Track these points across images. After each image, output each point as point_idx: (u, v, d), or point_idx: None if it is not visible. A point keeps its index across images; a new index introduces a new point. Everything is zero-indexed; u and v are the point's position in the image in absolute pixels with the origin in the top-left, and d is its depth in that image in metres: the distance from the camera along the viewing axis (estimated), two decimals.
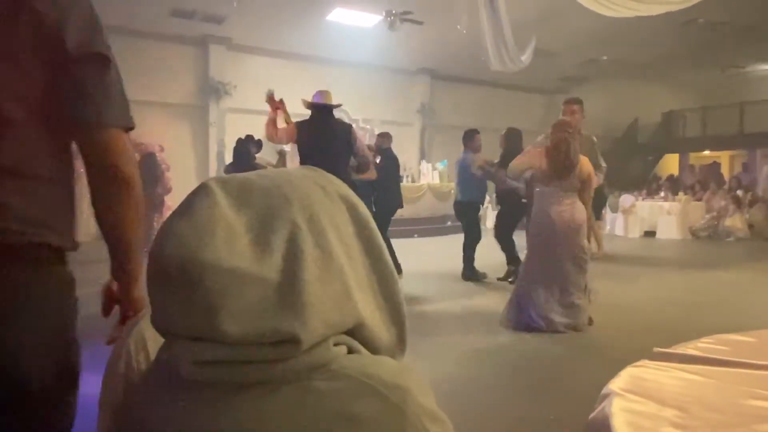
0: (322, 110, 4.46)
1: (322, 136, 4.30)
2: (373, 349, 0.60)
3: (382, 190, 6.07)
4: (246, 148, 6.34)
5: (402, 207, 6.50)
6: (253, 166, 5.96)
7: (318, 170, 0.65)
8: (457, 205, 6.46)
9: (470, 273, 6.28)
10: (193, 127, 11.14)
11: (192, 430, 0.53)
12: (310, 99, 4.56)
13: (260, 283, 0.52)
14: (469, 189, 6.01)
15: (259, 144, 6.54)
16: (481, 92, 14.91)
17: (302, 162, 4.30)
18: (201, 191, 0.58)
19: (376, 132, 8.09)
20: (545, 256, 3.99)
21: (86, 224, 2.25)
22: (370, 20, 9.97)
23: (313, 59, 12.17)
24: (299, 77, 12.05)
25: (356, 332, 0.58)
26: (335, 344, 0.56)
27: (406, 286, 5.96)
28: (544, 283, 3.99)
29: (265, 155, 7.08)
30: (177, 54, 10.85)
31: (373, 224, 0.64)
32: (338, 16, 9.98)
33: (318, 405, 0.52)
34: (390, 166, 6.39)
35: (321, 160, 3.89)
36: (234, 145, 6.64)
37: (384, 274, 0.62)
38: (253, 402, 0.52)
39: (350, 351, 0.57)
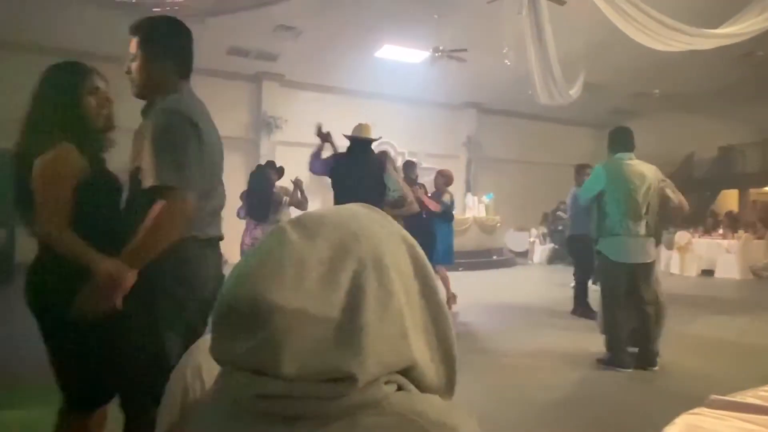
0: (359, 144, 4.46)
1: (355, 170, 4.29)
2: (423, 388, 0.60)
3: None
4: (265, 174, 5.98)
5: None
6: (270, 194, 5.85)
7: (375, 208, 0.66)
8: (570, 239, 6.47)
9: (582, 308, 6.11)
10: (246, 159, 11.50)
11: None
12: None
13: (323, 323, 0.54)
14: (580, 222, 5.84)
15: (280, 171, 6.21)
16: (528, 126, 14.83)
17: (335, 194, 4.34)
18: (275, 230, 0.61)
19: (423, 165, 8.14)
20: None
21: None
22: (417, 56, 10.15)
23: (361, 94, 12.45)
24: (348, 112, 12.31)
25: (407, 371, 0.59)
26: (386, 382, 0.57)
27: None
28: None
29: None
30: (232, 90, 11.32)
31: (429, 265, 0.65)
32: (386, 52, 10.21)
33: None
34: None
35: (351, 194, 3.97)
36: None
37: (438, 316, 0.63)
38: None
39: (399, 388, 0.58)
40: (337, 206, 0.66)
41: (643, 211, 4.00)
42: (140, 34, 1.79)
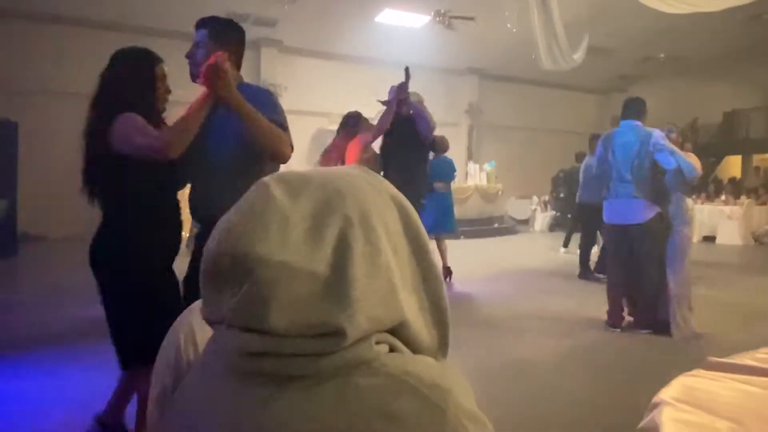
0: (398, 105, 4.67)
1: (395, 131, 4.57)
2: (415, 349, 0.60)
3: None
4: None
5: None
6: None
7: (369, 170, 0.66)
8: (578, 206, 6.73)
9: (585, 272, 6.50)
10: None
11: (236, 422, 0.55)
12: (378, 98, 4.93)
13: (310, 277, 0.54)
14: (590, 190, 6.08)
15: None
16: (531, 92, 14.65)
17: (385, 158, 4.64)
18: (257, 186, 0.60)
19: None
20: None
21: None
22: (418, 21, 9.97)
23: (362, 60, 12.27)
24: (348, 78, 12.19)
25: (399, 331, 0.59)
26: (377, 342, 0.56)
27: (456, 286, 5.93)
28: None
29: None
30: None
31: (421, 224, 0.64)
32: (387, 17, 10.02)
33: (358, 401, 0.53)
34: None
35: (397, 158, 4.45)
36: None
37: (429, 275, 0.63)
38: (295, 396, 0.54)
39: (392, 350, 0.58)
40: (327, 167, 0.65)
41: (630, 174, 4.05)
42: (210, 27, 2.16)
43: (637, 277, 4.06)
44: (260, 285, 0.52)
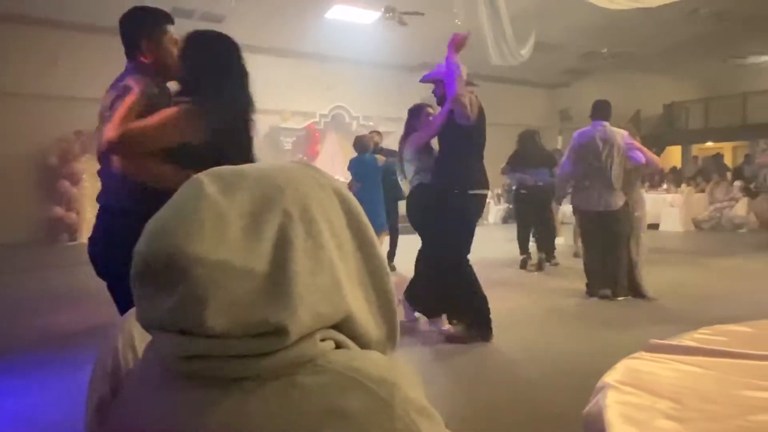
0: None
1: (482, 116, 4.18)
2: (363, 344, 0.60)
3: (385, 187, 6.17)
4: None
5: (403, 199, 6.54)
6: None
7: (310, 164, 0.65)
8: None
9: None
10: None
11: (179, 427, 0.54)
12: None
13: (249, 275, 0.52)
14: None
15: None
16: (482, 87, 14.87)
17: (474, 148, 3.87)
18: (189, 183, 0.58)
19: (380, 129, 8.09)
20: None
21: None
22: (369, 17, 9.96)
23: (312, 56, 12.16)
24: (300, 76, 12.06)
25: (345, 326, 0.58)
26: (322, 339, 0.56)
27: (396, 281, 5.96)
28: None
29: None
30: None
31: (365, 217, 0.63)
32: (337, 13, 9.96)
33: (303, 400, 0.52)
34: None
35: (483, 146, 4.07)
36: None
37: (375, 268, 0.62)
38: (239, 398, 0.52)
39: (338, 346, 0.57)
40: (266, 162, 0.64)
41: (604, 168, 4.76)
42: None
43: (612, 254, 4.81)
44: (196, 286, 0.51)
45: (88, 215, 9.66)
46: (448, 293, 3.81)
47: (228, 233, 0.53)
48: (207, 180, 0.57)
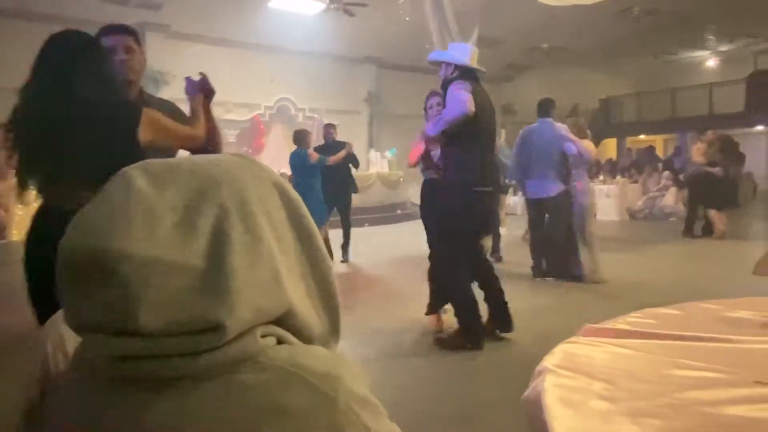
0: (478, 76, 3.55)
1: (488, 108, 3.50)
2: (305, 338, 0.59)
3: (337, 178, 6.18)
4: None
5: (357, 192, 6.62)
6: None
7: (248, 156, 0.63)
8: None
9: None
10: None
11: (115, 431, 0.52)
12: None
13: (183, 271, 0.50)
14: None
15: None
16: (428, 80, 14.97)
17: (475, 142, 3.44)
18: (116, 177, 0.56)
19: (325, 122, 8.03)
20: None
21: None
22: (312, 7, 9.84)
23: (256, 47, 11.93)
24: (242, 66, 11.79)
25: (286, 320, 0.57)
26: (263, 335, 0.55)
27: (351, 273, 5.99)
28: None
29: None
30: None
31: (305, 210, 0.63)
32: (279, 3, 9.80)
33: (244, 399, 0.51)
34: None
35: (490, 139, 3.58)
36: None
37: (316, 260, 0.62)
38: (176, 399, 0.51)
39: (280, 341, 0.57)
40: (202, 155, 0.62)
41: (545, 159, 5.16)
42: (134, 34, 2.18)
43: (550, 238, 5.22)
44: (126, 284, 0.49)
45: (16, 212, 9.12)
46: (443, 292, 3.71)
47: (159, 228, 0.51)
48: (136, 173, 0.55)
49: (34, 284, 1.76)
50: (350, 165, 6.51)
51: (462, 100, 3.22)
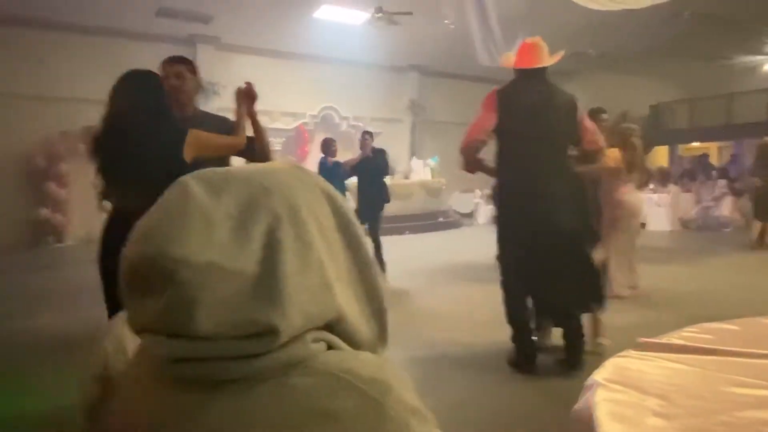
0: (532, 73, 3.21)
1: (535, 108, 3.14)
2: (354, 344, 0.60)
3: (370, 187, 6.16)
4: None
5: (388, 202, 6.46)
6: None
7: (298, 165, 0.65)
8: None
9: None
10: None
11: (169, 430, 0.53)
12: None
13: (237, 276, 0.52)
14: None
15: None
16: (471, 88, 14.92)
17: (504, 148, 3.23)
18: (174, 185, 0.58)
19: (370, 129, 8.08)
20: None
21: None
22: (357, 17, 9.95)
23: (301, 57, 12.14)
24: (287, 76, 12.02)
25: (335, 326, 0.58)
26: (314, 341, 0.56)
27: (395, 282, 5.98)
28: None
29: None
30: (163, 54, 10.78)
31: (354, 217, 0.64)
32: (325, 13, 9.95)
33: (294, 402, 0.52)
34: (379, 163, 6.43)
35: (533, 144, 3.09)
36: None
37: (364, 268, 0.63)
38: (230, 400, 0.52)
39: (329, 347, 0.57)
40: (253, 163, 0.64)
41: None
42: (188, 63, 2.79)
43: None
44: (184, 288, 0.51)
45: (74, 217, 9.56)
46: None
47: (215, 235, 0.53)
48: (193, 182, 0.57)
49: (106, 284, 2.10)
50: (381, 173, 6.42)
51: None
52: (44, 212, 9.60)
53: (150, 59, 10.06)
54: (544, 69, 3.19)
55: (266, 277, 0.53)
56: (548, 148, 3.11)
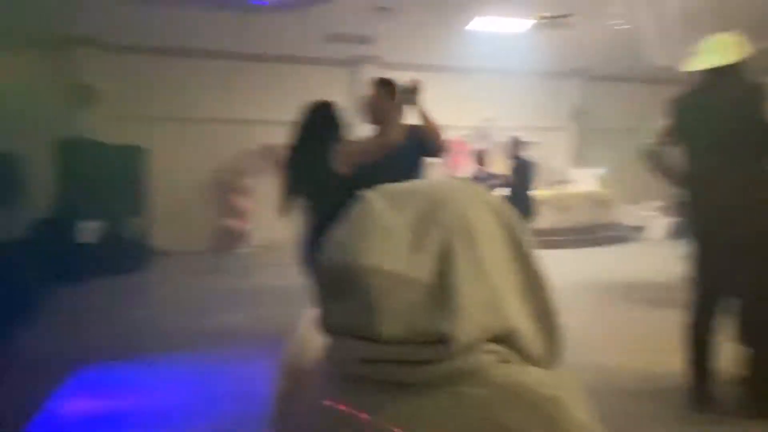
0: (722, 72, 2.82)
1: (724, 112, 2.78)
2: (525, 358, 0.59)
3: (513, 199, 5.91)
4: None
5: (531, 215, 6.08)
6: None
7: (470, 181, 0.67)
8: None
9: None
10: None
11: (356, 425, 0.57)
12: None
13: (415, 285, 0.54)
14: None
15: None
16: (642, 90, 13.76)
17: (695, 160, 2.89)
18: (360, 201, 0.63)
19: (531, 139, 7.84)
20: None
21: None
22: (512, 25, 9.76)
23: (456, 70, 12.25)
24: (445, 89, 12.16)
25: (507, 339, 0.58)
26: (486, 352, 0.56)
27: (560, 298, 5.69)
28: None
29: None
30: (332, 76, 11.60)
31: (524, 231, 0.63)
32: (478, 24, 9.90)
33: (468, 412, 0.52)
34: (524, 172, 6.21)
35: (724, 150, 2.74)
36: None
37: (536, 282, 0.62)
38: (408, 402, 0.54)
39: (502, 360, 0.57)
40: (429, 179, 0.67)
41: None
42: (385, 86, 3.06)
43: None
44: (370, 294, 0.54)
45: (256, 225, 10.69)
46: None
47: (395, 246, 0.56)
48: (375, 197, 0.61)
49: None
50: (524, 184, 6.11)
51: None
52: (231, 221, 10.87)
53: (318, 81, 10.96)
54: (738, 67, 2.79)
55: (440, 288, 0.55)
56: (746, 153, 2.70)
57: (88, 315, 5.49)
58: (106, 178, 8.20)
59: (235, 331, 4.63)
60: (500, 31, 10.16)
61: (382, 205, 0.59)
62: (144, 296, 6.77)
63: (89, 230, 7.84)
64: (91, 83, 9.74)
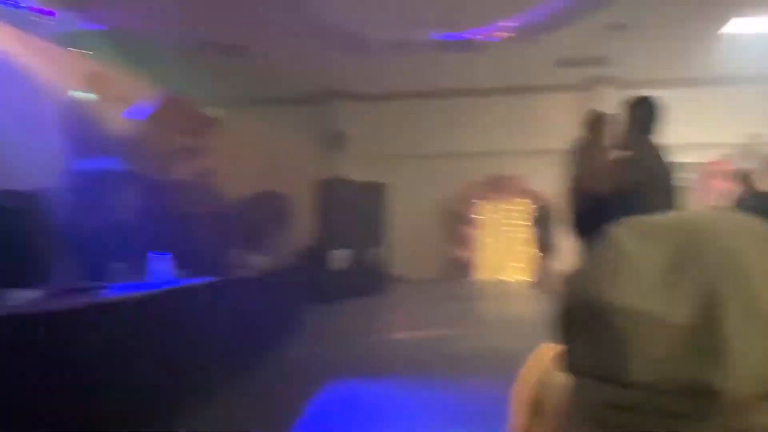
0: None
1: None
2: None
3: None
4: None
5: None
6: None
7: (744, 213, 0.60)
8: None
9: None
10: None
11: None
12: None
13: (671, 328, 0.50)
14: None
15: None
16: None
17: None
18: (606, 235, 0.61)
19: None
20: None
21: None
22: None
23: (711, 81, 10.85)
24: (698, 103, 10.79)
25: None
26: (766, 413, 0.49)
27: None
28: None
29: None
30: (565, 103, 11.23)
31: None
32: (736, 27, 8.62)
33: None
34: None
35: None
36: None
37: None
38: None
39: None
40: (688, 211, 0.61)
41: None
42: None
43: None
44: (616, 334, 0.52)
45: (483, 256, 10.85)
46: None
47: (644, 283, 0.53)
48: (623, 230, 0.59)
49: None
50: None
51: None
52: (460, 251, 11.21)
53: (551, 108, 10.75)
54: None
55: (705, 332, 0.49)
56: None
57: (337, 333, 6.16)
58: (354, 212, 9.22)
59: (466, 356, 4.72)
60: (764, 31, 8.71)
61: (629, 239, 0.56)
62: (383, 318, 7.34)
63: (340, 258, 8.87)
64: (342, 129, 11.16)
